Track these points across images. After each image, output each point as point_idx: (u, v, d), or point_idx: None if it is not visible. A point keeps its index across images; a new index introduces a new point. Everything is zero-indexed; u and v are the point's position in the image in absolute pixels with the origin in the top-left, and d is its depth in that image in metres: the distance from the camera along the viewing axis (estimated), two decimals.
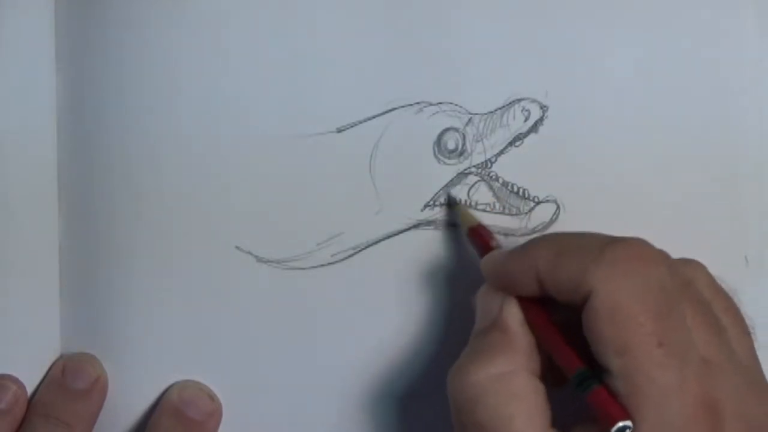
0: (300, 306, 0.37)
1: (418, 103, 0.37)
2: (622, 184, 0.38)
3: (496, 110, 0.38)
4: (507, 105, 0.38)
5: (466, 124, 0.38)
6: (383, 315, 0.37)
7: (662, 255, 0.29)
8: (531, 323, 0.30)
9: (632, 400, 0.26)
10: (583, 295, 0.28)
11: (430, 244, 0.38)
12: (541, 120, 0.38)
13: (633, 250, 0.28)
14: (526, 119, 0.37)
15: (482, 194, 0.38)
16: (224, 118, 0.37)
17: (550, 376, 0.30)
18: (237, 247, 0.37)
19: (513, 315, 0.30)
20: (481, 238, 0.35)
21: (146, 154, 0.37)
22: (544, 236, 0.31)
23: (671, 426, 0.26)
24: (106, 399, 0.37)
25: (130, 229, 0.37)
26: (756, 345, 0.31)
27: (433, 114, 0.37)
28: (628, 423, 0.26)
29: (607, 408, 0.27)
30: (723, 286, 0.32)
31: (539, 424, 0.28)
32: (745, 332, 0.31)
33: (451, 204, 0.37)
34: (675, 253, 0.38)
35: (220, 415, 0.37)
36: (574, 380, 0.28)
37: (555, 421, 0.29)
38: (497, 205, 0.38)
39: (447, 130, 0.37)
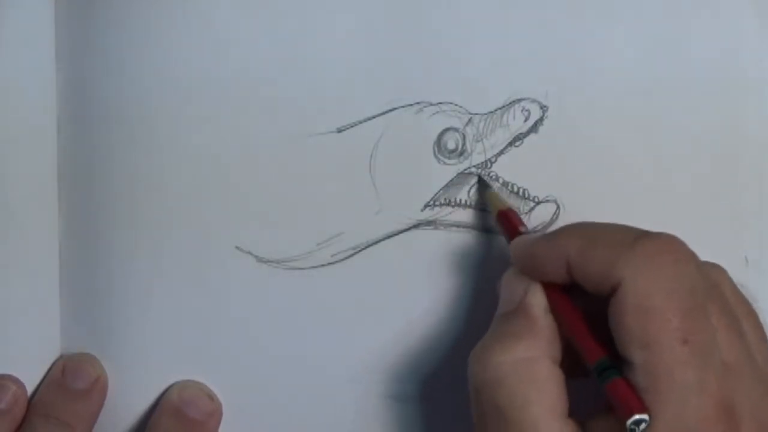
0: (300, 306, 0.37)
1: (418, 103, 0.37)
2: (621, 184, 0.38)
3: (496, 110, 0.38)
4: (507, 105, 0.38)
5: (466, 124, 0.38)
6: (383, 315, 0.37)
7: (693, 254, 0.29)
8: (555, 310, 0.30)
9: (651, 395, 0.26)
10: (611, 286, 0.28)
11: (430, 244, 0.38)
12: (541, 120, 0.38)
13: (666, 246, 0.28)
14: (526, 119, 0.37)
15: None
16: (224, 119, 0.37)
17: (568, 365, 0.30)
18: (237, 247, 0.37)
19: (538, 300, 0.30)
20: (510, 221, 0.35)
21: (146, 154, 0.37)
22: (576, 224, 0.31)
23: (687, 424, 0.26)
24: (106, 399, 0.37)
25: (130, 229, 0.37)
26: None
27: (433, 114, 0.37)
28: (645, 417, 0.26)
29: (625, 399, 0.27)
30: (744, 292, 0.32)
31: (558, 412, 0.28)
32: (763, 339, 0.30)
33: (482, 187, 0.37)
34: None
35: (220, 415, 0.37)
36: (595, 369, 0.28)
37: (571, 412, 0.29)
38: None
39: (447, 130, 0.37)
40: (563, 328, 0.30)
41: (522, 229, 0.34)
